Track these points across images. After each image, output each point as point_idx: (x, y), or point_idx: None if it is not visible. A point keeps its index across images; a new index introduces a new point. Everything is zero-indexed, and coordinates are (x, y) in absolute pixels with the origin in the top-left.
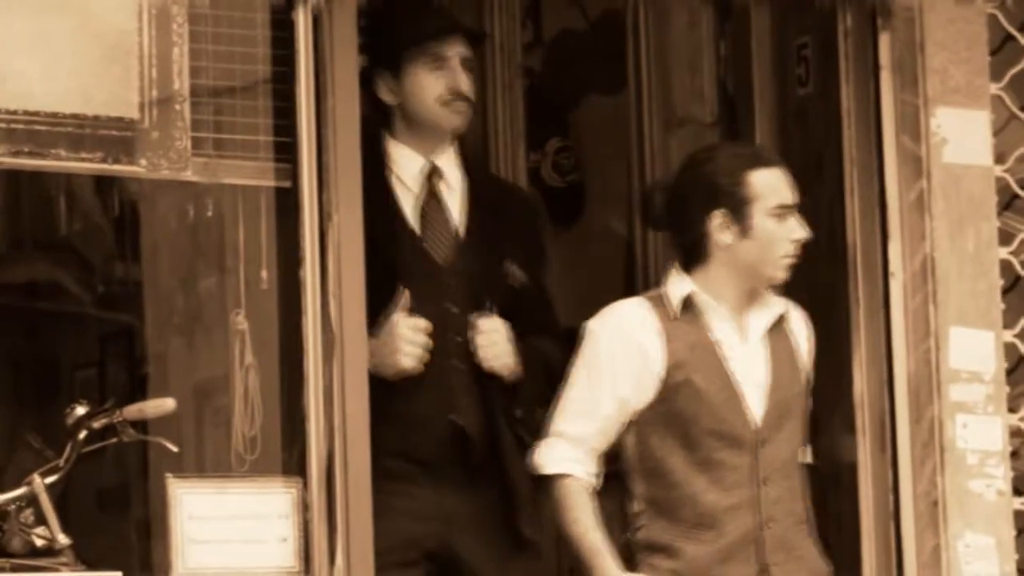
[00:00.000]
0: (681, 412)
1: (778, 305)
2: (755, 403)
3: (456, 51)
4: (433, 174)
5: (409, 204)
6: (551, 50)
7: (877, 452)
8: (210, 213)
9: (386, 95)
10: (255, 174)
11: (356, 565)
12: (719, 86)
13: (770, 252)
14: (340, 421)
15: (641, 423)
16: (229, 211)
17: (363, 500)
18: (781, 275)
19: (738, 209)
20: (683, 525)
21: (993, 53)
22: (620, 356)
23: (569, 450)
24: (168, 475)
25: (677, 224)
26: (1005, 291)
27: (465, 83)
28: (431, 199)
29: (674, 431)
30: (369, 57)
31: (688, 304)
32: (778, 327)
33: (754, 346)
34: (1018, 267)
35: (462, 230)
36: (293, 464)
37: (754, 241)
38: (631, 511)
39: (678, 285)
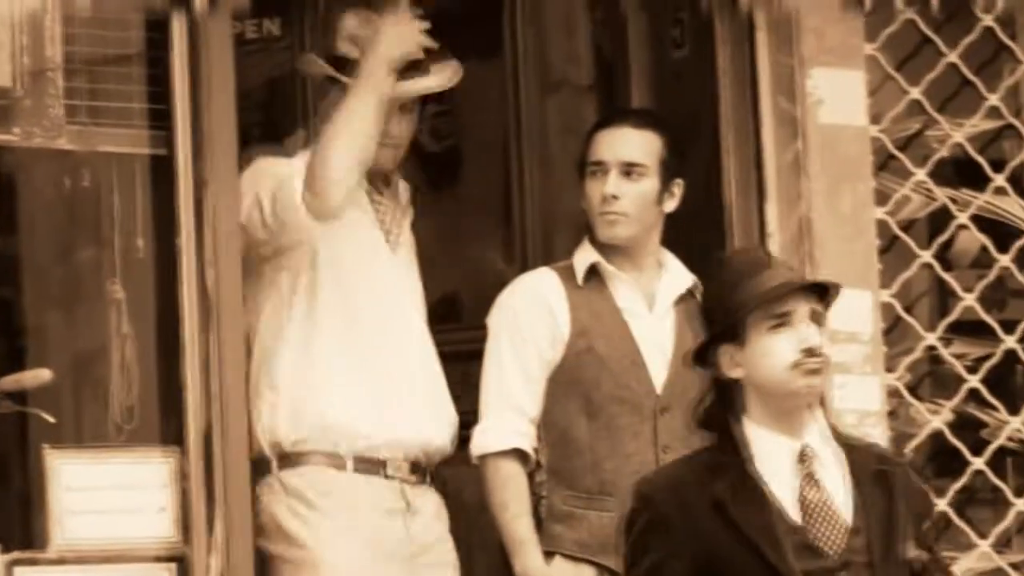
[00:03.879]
0: (583, 379)
1: (687, 279)
2: (657, 371)
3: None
4: (804, 455)
5: (784, 493)
6: (427, 15)
7: None
8: (86, 182)
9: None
10: (130, 142)
11: (234, 534)
12: (595, 49)
13: (591, 211)
14: (218, 390)
15: (546, 392)
16: (104, 179)
17: (241, 469)
18: (605, 232)
19: (582, 176)
20: (585, 494)
21: (868, 14)
22: (536, 317)
23: (516, 422)
24: (45, 446)
25: None
26: (882, 251)
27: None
28: (808, 484)
29: (577, 398)
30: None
31: (594, 273)
32: (689, 299)
33: (661, 315)
34: (894, 227)
35: (849, 514)
36: (171, 434)
37: (585, 203)
38: (535, 481)
39: (584, 255)
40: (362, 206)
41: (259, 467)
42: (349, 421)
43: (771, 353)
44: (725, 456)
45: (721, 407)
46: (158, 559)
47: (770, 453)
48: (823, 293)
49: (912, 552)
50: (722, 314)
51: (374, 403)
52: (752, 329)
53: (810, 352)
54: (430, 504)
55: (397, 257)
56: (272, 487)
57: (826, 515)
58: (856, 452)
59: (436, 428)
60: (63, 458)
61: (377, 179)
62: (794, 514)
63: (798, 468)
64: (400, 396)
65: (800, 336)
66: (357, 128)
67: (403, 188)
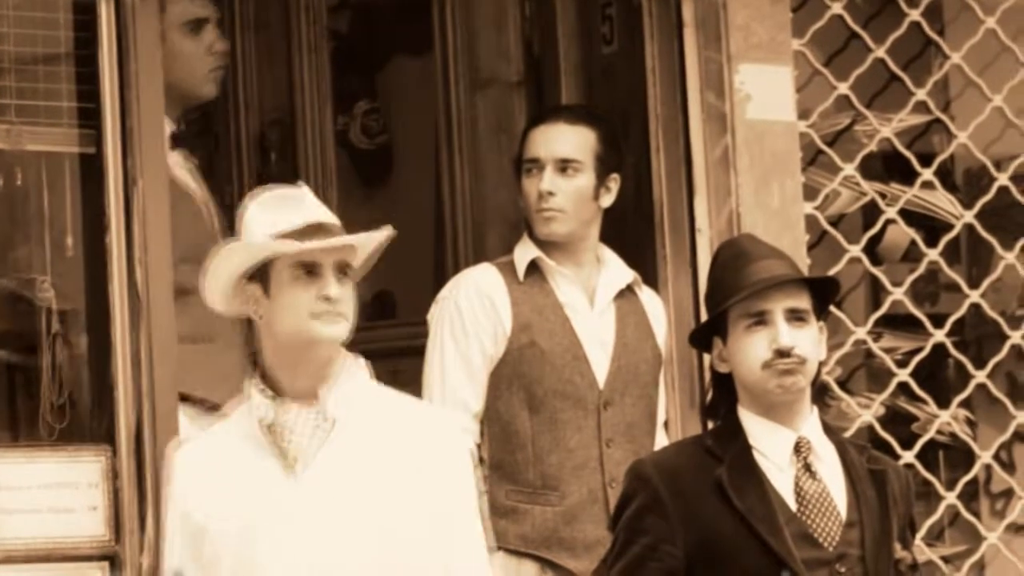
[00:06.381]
0: (526, 373)
1: (626, 274)
2: (599, 365)
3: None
4: (801, 446)
5: (781, 482)
6: (357, 12)
7: (687, 407)
8: (18, 182)
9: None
10: (59, 140)
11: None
12: (525, 45)
13: (528, 208)
14: (148, 388)
15: (489, 386)
16: (33, 178)
17: None
18: (542, 229)
19: (518, 173)
20: (528, 488)
21: (795, 10)
22: (478, 311)
23: (459, 417)
24: None
25: None
26: (811, 246)
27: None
28: (805, 475)
29: (520, 393)
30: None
31: (534, 268)
32: (629, 295)
33: (602, 310)
34: (823, 222)
35: (844, 508)
36: (102, 432)
37: (522, 200)
38: (477, 476)
39: (524, 251)
40: (257, 443)
41: None
42: None
43: (746, 352)
44: (725, 442)
45: (721, 396)
46: (90, 558)
47: (767, 442)
48: (821, 288)
49: (900, 552)
50: (707, 308)
51: None
52: (732, 327)
53: (781, 352)
54: None
55: (303, 482)
56: None
57: (823, 507)
58: (849, 449)
59: None
60: None
61: (304, 391)
62: (791, 503)
63: (794, 459)
64: None
65: (772, 336)
66: None
67: (334, 402)
